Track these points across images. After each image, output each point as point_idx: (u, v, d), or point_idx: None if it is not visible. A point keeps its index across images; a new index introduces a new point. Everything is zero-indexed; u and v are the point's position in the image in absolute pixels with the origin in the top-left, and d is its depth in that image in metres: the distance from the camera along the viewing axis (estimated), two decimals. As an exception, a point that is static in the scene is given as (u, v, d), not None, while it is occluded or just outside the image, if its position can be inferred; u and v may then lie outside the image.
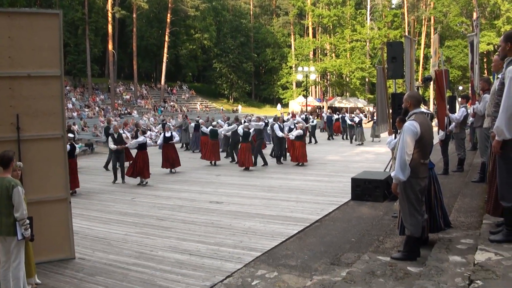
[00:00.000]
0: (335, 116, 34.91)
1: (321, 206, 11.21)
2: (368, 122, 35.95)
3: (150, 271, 6.99)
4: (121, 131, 16.97)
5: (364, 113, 50.70)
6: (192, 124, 26.41)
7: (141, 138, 15.88)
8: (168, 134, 17.92)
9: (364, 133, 28.26)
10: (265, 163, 19.04)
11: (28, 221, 5.93)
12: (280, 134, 19.38)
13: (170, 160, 17.68)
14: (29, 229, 5.94)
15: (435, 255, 5.53)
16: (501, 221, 5.57)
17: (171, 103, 53.88)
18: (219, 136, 20.57)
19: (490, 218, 6.02)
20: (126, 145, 16.25)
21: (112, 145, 15.85)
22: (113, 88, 46.98)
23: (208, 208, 11.46)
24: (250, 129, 18.62)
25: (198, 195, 13.08)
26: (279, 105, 63.49)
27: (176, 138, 18.44)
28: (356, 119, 28.59)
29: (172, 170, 17.85)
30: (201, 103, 59.81)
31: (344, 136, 31.74)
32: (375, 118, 29.73)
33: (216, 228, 9.51)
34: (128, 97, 50.31)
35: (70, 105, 39.14)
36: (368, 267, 5.92)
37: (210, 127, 20.38)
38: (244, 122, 21.77)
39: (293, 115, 30.51)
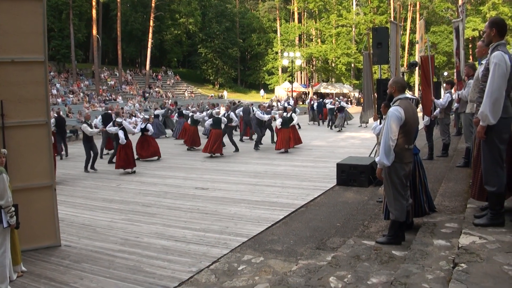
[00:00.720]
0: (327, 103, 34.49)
1: (306, 191, 11.25)
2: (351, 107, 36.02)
3: (136, 258, 6.98)
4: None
5: (349, 99, 50.87)
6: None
7: (113, 129, 15.43)
8: (143, 126, 17.75)
9: (344, 119, 28.40)
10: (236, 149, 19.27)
11: (13, 209, 5.94)
12: (266, 117, 19.63)
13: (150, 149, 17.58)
14: (15, 217, 5.98)
15: (420, 239, 5.58)
16: (485, 205, 5.63)
17: (156, 89, 53.52)
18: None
19: (475, 202, 6.09)
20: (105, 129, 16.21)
21: (89, 129, 15.47)
22: (98, 74, 46.56)
23: (194, 194, 11.45)
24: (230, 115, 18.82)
25: (183, 181, 13.06)
26: (262, 91, 63.31)
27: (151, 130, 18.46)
28: (340, 104, 28.80)
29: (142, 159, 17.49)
30: (186, 89, 59.47)
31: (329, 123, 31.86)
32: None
33: (202, 214, 9.51)
34: (112, 83, 49.89)
35: (54, 91, 38.79)
36: (353, 251, 5.97)
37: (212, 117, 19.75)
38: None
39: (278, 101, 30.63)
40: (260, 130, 20.04)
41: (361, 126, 29.23)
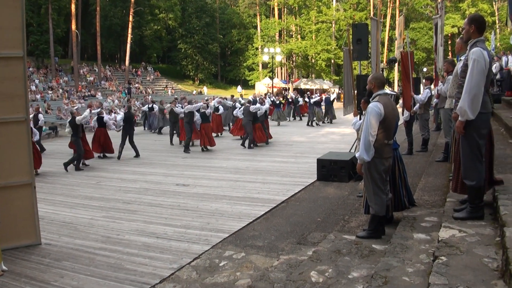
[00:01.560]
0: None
1: (287, 187, 11.28)
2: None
3: (117, 255, 6.94)
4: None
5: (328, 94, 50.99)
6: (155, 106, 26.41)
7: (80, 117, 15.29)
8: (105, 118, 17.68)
9: (319, 114, 28.67)
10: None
11: None
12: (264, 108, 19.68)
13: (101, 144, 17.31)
14: None
15: (400, 233, 5.63)
16: (464, 199, 5.70)
17: (136, 85, 53.10)
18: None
19: (454, 196, 6.15)
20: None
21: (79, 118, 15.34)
22: (77, 70, 46.02)
23: (175, 190, 11.41)
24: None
25: (164, 178, 13.00)
26: (239, 87, 63.05)
27: (112, 127, 18.71)
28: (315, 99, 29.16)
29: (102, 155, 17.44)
30: (167, 85, 59.14)
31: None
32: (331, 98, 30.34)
33: (183, 210, 9.49)
34: (92, 78, 49.36)
35: (33, 87, 38.27)
36: (334, 245, 6.01)
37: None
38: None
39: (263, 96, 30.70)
40: (251, 128, 19.21)
41: (331, 122, 29.49)
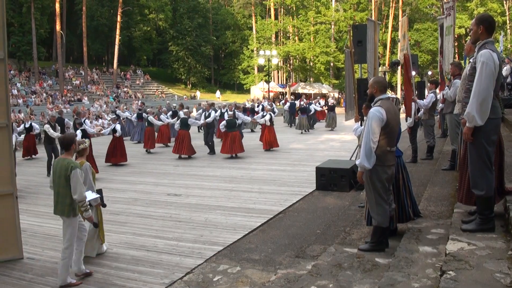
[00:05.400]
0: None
1: (284, 196, 11.27)
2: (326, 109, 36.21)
3: (104, 270, 6.90)
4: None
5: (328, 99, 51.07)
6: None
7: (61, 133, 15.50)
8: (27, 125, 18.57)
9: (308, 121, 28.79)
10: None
11: (88, 203, 6.50)
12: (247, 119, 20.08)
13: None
14: (89, 210, 6.54)
15: (405, 246, 5.61)
16: (473, 210, 5.68)
17: (125, 89, 53.04)
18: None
19: (462, 207, 6.14)
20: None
21: (53, 132, 15.49)
22: (62, 73, 45.91)
23: (166, 201, 11.38)
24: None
25: (154, 187, 12.97)
26: (218, 92, 62.77)
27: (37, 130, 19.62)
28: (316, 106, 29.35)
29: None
30: (157, 89, 59.09)
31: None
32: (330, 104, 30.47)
33: (175, 222, 9.46)
34: (78, 82, 49.30)
35: (15, 91, 38.12)
36: (335, 259, 5.98)
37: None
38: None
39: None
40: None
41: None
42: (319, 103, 34.53)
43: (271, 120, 19.88)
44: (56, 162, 6.59)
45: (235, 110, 19.59)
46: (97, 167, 14.76)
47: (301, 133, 27.54)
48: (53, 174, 6.57)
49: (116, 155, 17.24)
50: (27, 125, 19.74)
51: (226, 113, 21.31)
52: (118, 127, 16.93)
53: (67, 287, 6.32)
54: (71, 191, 6.29)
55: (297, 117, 31.10)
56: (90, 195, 7.07)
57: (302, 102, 30.41)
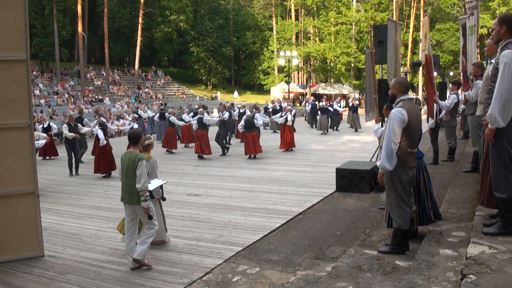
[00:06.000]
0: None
1: (304, 198, 11.23)
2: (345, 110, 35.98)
3: (124, 269, 6.94)
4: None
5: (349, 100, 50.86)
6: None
7: (85, 129, 15.57)
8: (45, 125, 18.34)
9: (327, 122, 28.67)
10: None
11: (148, 193, 6.87)
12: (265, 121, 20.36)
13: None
14: (148, 201, 6.84)
15: (425, 249, 5.56)
16: (495, 213, 5.61)
17: (146, 90, 53.38)
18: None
19: (483, 210, 6.07)
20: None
21: (67, 133, 15.49)
22: (83, 74, 46.41)
23: (186, 200, 11.41)
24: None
25: (174, 187, 13.00)
26: (235, 93, 62.76)
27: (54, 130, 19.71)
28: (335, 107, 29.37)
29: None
30: (178, 90, 59.34)
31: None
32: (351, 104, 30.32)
33: (194, 222, 9.48)
34: (99, 83, 49.78)
35: (37, 92, 38.61)
36: (354, 261, 5.95)
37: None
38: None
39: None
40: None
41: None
42: (339, 104, 34.30)
43: (288, 119, 19.88)
44: (124, 155, 7.10)
45: (255, 111, 19.66)
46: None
47: (322, 134, 27.46)
48: (121, 166, 7.11)
49: (99, 166, 15.28)
50: (45, 125, 19.73)
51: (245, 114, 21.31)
52: (100, 133, 15.38)
53: (140, 263, 6.83)
54: (136, 181, 6.75)
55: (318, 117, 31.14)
56: (156, 183, 7.58)
57: (322, 103, 30.20)
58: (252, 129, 18.24)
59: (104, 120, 15.99)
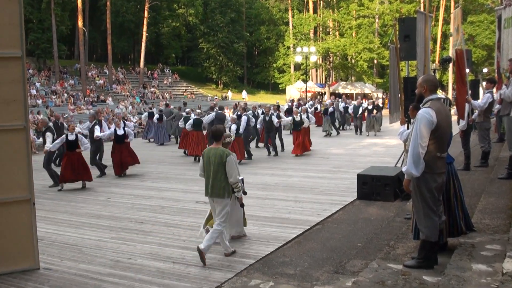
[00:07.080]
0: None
1: (323, 206, 11.20)
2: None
3: (127, 282, 6.95)
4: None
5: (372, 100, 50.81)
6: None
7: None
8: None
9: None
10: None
11: (240, 184, 7.98)
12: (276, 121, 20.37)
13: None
14: (241, 192, 8.11)
15: (456, 263, 5.53)
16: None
17: (152, 89, 53.55)
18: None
19: (520, 220, 6.02)
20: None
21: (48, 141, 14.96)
22: (84, 72, 46.66)
23: (195, 209, 11.41)
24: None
25: (182, 194, 13.04)
26: (244, 92, 62.65)
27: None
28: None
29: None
30: (186, 89, 59.50)
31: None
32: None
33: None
34: (101, 82, 50.04)
35: (34, 91, 38.89)
36: (377, 276, 5.92)
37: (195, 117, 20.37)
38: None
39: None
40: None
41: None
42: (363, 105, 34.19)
43: (304, 121, 19.91)
44: (208, 151, 7.99)
45: (272, 112, 19.79)
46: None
47: (325, 135, 27.96)
48: (205, 162, 7.95)
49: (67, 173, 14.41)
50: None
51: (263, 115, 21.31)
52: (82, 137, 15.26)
53: (201, 255, 7.51)
54: (227, 175, 7.70)
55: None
56: None
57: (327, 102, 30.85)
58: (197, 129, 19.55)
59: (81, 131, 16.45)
